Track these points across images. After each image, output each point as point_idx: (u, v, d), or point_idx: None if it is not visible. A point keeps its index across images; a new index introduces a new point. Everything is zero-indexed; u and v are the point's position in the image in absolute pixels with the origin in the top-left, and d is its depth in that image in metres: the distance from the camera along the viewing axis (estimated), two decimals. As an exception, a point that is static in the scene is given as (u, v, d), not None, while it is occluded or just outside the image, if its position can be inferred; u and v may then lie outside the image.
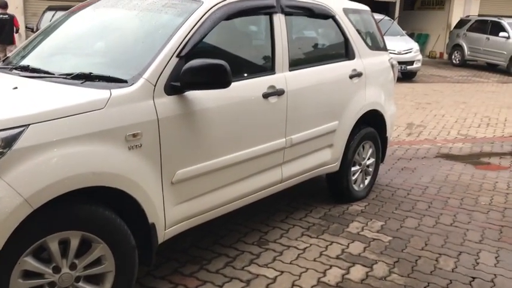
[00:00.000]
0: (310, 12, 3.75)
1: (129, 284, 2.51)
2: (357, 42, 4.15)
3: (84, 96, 2.38)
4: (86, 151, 2.26)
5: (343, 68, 3.97)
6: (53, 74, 2.70)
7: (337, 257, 3.34)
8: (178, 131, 2.67)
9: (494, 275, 3.20)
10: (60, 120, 2.22)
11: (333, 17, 3.96)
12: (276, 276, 3.07)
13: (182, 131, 2.69)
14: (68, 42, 3.21)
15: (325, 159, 3.91)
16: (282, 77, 3.34)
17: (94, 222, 2.32)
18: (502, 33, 15.57)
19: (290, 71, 3.43)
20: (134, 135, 2.44)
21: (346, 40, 4.07)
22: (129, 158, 2.43)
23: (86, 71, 2.63)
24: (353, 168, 4.26)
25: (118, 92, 2.46)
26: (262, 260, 3.26)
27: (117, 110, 2.41)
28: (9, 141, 2.06)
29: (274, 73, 3.31)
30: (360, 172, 4.38)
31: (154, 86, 2.57)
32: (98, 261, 2.39)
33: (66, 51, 3.10)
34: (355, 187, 4.35)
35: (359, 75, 4.09)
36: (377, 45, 4.52)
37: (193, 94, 2.74)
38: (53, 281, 2.27)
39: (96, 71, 2.64)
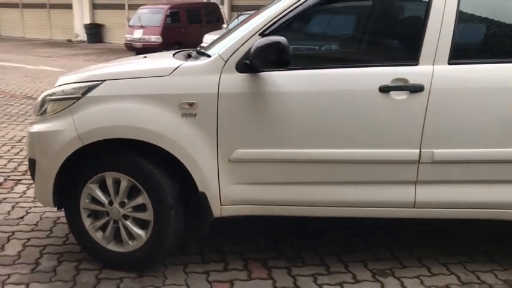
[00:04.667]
0: None
1: (163, 239, 2.72)
2: None
3: (160, 65, 2.74)
4: (138, 108, 2.63)
5: None
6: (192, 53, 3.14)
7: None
8: (243, 109, 2.62)
9: None
10: (126, 81, 2.68)
11: None
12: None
13: (248, 110, 2.62)
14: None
15: (521, 199, 2.71)
16: (427, 71, 2.59)
17: (138, 171, 2.67)
18: None
19: (451, 64, 2.61)
20: (190, 104, 2.61)
21: None
22: (180, 124, 2.62)
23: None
24: None
25: (187, 63, 2.69)
26: None
27: (179, 79, 2.64)
28: (87, 91, 2.69)
29: (417, 64, 2.61)
30: None
31: (225, 61, 2.62)
32: (143, 208, 2.73)
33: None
34: None
35: None
36: None
37: (271, 75, 2.60)
38: (108, 211, 2.78)
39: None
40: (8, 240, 3.17)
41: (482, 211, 2.73)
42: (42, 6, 24.86)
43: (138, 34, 15.19)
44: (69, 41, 22.65)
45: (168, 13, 15.26)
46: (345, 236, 3.33)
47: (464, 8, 2.61)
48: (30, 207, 3.66)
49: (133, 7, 17.91)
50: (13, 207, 3.68)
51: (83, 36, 22.52)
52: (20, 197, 3.86)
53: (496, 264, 3.00)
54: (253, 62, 2.53)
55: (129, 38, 15.38)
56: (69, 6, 23.42)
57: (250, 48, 2.55)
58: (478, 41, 2.80)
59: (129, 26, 15.69)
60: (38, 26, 25.20)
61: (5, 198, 3.85)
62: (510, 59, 2.63)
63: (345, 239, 3.29)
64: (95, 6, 23.01)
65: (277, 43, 2.42)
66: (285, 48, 2.41)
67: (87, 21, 22.48)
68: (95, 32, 21.88)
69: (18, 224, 3.40)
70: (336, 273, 2.88)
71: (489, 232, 3.39)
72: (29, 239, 3.19)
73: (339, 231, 3.39)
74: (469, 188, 2.69)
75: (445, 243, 3.25)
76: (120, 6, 21.59)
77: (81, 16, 23.01)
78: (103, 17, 22.39)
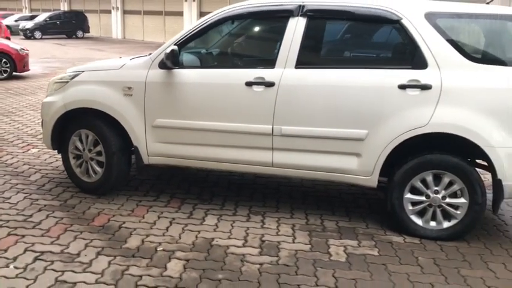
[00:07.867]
0: (351, 16, 3.78)
1: (111, 174, 4.22)
2: (437, 50, 3.55)
3: (117, 62, 4.26)
4: (98, 89, 4.18)
5: (389, 75, 3.62)
6: None
7: (260, 240, 3.57)
8: (160, 93, 4.03)
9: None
10: (95, 71, 4.25)
11: (399, 22, 3.65)
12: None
13: (163, 94, 4.03)
14: None
15: (347, 166, 3.75)
16: (278, 72, 3.78)
17: (97, 129, 4.21)
18: None
19: (297, 68, 3.77)
20: (129, 88, 4.09)
21: (415, 47, 3.60)
22: (122, 100, 4.11)
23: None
24: (410, 196, 3.69)
25: (131, 62, 4.18)
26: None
27: (124, 71, 4.15)
28: (73, 77, 4.31)
29: (273, 67, 3.81)
30: (429, 206, 3.67)
31: (152, 61, 4.06)
32: (100, 154, 4.26)
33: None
34: (416, 220, 3.71)
35: (423, 87, 3.54)
36: (494, 58, 3.50)
37: (179, 71, 3.98)
38: (82, 155, 4.35)
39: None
40: (41, 177, 4.90)
41: (317, 173, 3.84)
42: (159, 13, 28.18)
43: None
44: (178, 44, 25.44)
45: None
46: (254, 191, 4.57)
47: (307, 34, 3.78)
48: (60, 158, 5.39)
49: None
50: (56, 160, 5.46)
51: (190, 40, 25.19)
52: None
53: (345, 217, 4.05)
54: (165, 62, 3.93)
55: (218, 43, 17.30)
56: (180, 14, 26.35)
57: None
58: (317, 54, 3.96)
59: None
60: (154, 31, 28.58)
61: (49, 152, 5.66)
62: (336, 66, 3.80)
63: (252, 191, 4.53)
64: (202, 14, 25.57)
65: (172, 50, 3.80)
66: (176, 54, 3.78)
67: (194, 27, 25.10)
68: (200, 37, 24.40)
69: (53, 169, 5.15)
70: (224, 210, 4.15)
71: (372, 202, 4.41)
72: (53, 178, 4.89)
73: (254, 188, 4.63)
74: (308, 156, 3.83)
75: (326, 206, 4.34)
76: (223, 14, 23.84)
77: (190, 23, 25.73)
78: (208, 23, 24.81)
